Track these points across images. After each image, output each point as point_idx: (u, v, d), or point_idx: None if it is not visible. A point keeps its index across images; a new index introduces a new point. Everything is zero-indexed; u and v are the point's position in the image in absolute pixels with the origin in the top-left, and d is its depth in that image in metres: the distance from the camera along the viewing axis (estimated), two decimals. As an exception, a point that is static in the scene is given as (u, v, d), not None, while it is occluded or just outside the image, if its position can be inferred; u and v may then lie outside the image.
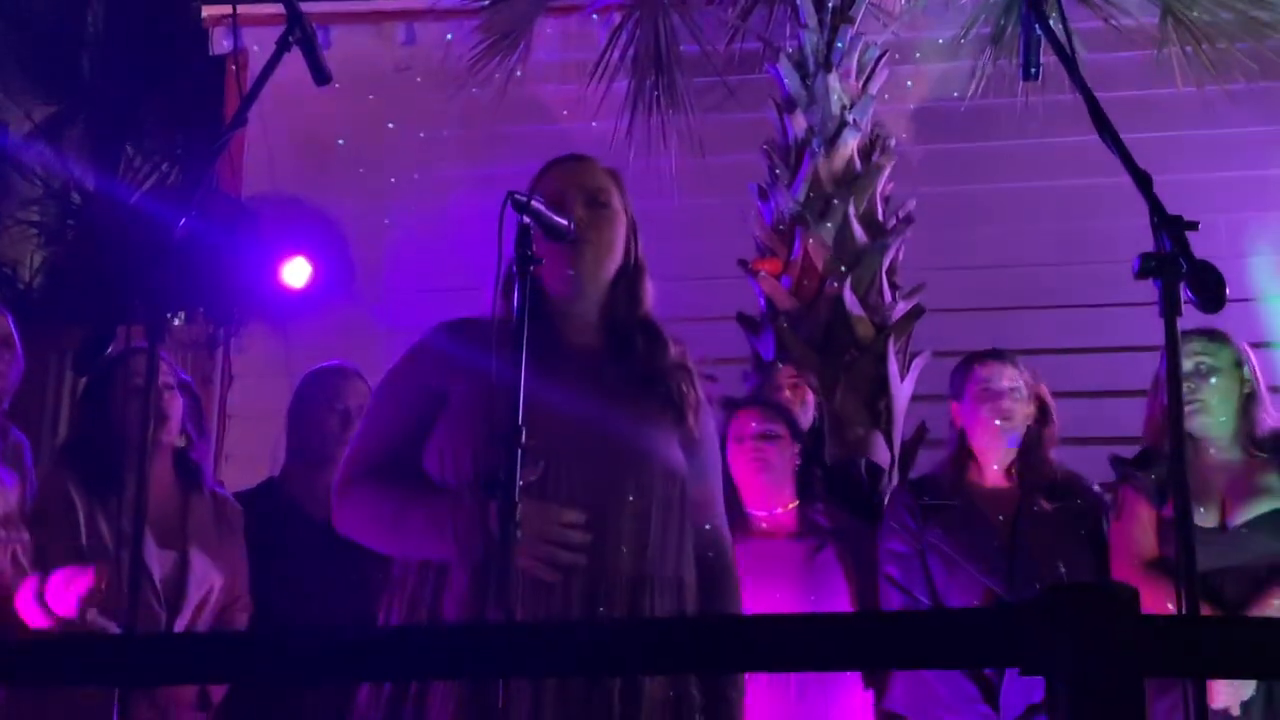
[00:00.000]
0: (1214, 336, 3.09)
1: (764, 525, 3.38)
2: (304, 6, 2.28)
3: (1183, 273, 1.95)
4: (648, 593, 2.11)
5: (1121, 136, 2.11)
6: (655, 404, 2.23)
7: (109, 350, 3.83)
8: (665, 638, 1.43)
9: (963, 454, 3.25)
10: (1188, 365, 3.00)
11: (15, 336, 3.10)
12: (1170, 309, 1.97)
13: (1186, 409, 2.87)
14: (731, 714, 2.17)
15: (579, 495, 2.09)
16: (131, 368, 3.00)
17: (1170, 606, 2.79)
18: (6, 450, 3.08)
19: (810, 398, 3.89)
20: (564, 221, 2.14)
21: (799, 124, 5.14)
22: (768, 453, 3.37)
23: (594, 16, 5.70)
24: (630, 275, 2.30)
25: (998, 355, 3.30)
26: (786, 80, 5.18)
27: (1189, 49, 5.07)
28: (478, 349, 2.11)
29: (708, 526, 2.29)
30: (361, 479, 2.22)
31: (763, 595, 3.11)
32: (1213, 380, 3.06)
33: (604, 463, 2.13)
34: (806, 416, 3.81)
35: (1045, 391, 3.40)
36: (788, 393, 3.84)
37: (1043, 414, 3.36)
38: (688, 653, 1.43)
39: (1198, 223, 1.98)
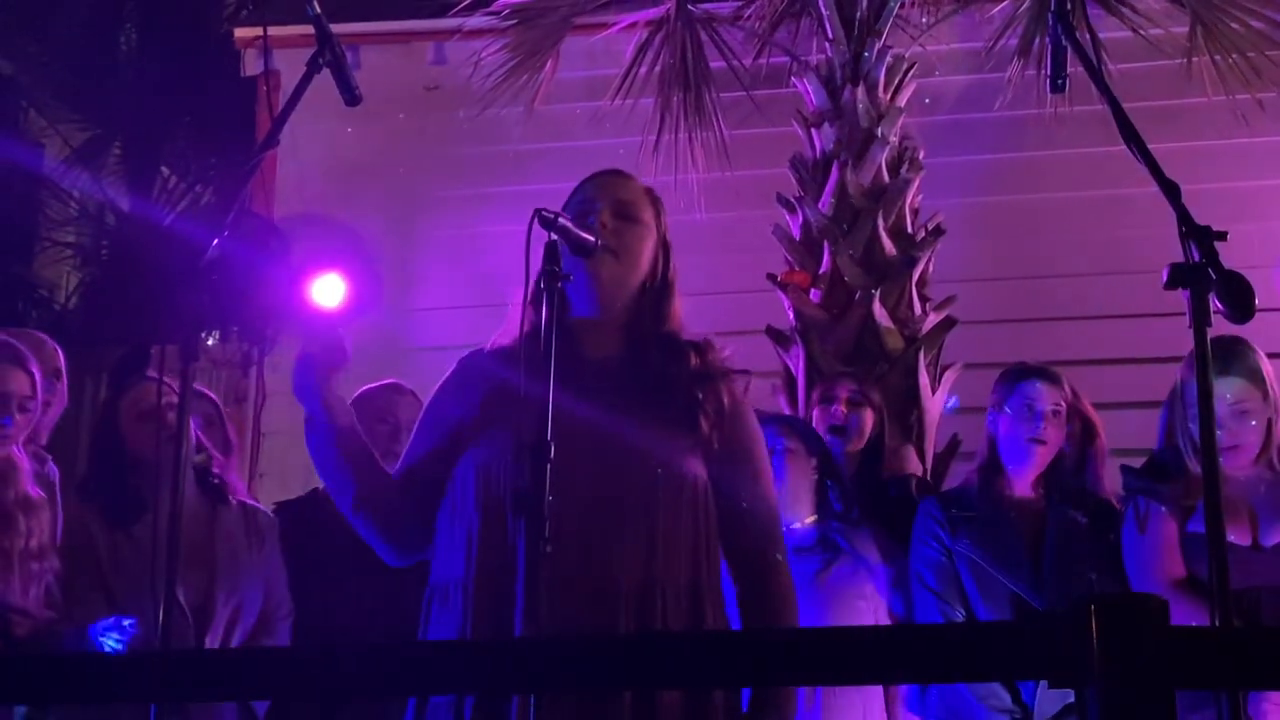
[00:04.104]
0: (1241, 373, 3.01)
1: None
2: (334, 27, 2.31)
3: (1212, 282, 1.95)
4: (658, 598, 2.11)
5: (1151, 146, 2.11)
6: (666, 414, 2.22)
7: (145, 370, 3.87)
8: (686, 650, 1.44)
9: (993, 464, 3.24)
10: (1224, 408, 2.93)
11: (64, 371, 3.14)
12: (1200, 319, 1.96)
13: (1222, 448, 2.81)
14: None
15: (581, 503, 2.09)
16: (138, 394, 3.04)
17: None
18: (44, 481, 3.12)
19: (869, 414, 3.84)
20: (590, 238, 2.16)
21: (826, 137, 5.14)
22: (779, 468, 3.37)
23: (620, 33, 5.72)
24: (657, 291, 2.30)
25: (1044, 375, 3.26)
26: (813, 94, 5.19)
27: (1219, 58, 5.04)
28: (505, 368, 2.12)
29: (748, 537, 2.26)
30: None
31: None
32: (1252, 422, 3.03)
33: (606, 471, 2.13)
34: (863, 433, 3.78)
35: (1088, 406, 3.37)
36: (842, 408, 3.80)
37: (1087, 431, 3.34)
38: (712, 665, 1.43)
39: (1226, 232, 1.97)
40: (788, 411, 4.73)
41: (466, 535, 2.16)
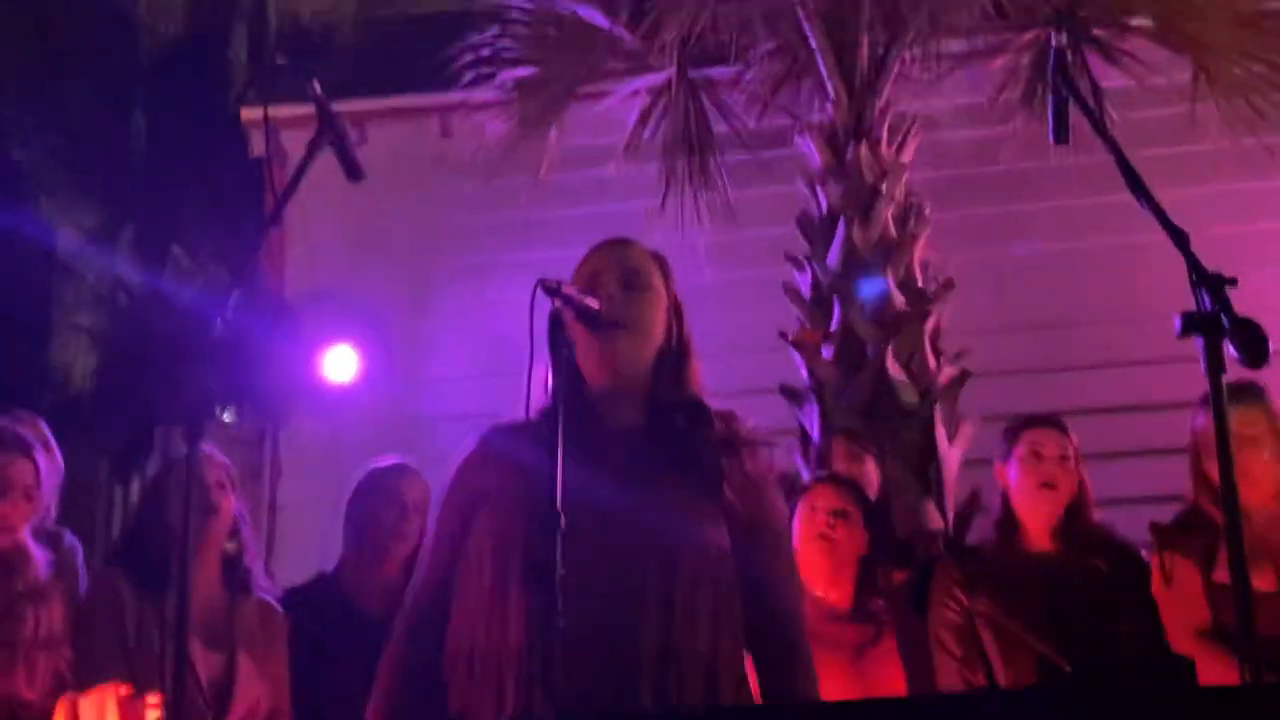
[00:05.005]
0: (1247, 402, 2.99)
1: (819, 605, 3.31)
2: (342, 104, 2.33)
3: (1225, 330, 1.93)
4: (674, 667, 2.07)
5: (1159, 194, 2.10)
6: (690, 483, 2.19)
7: (149, 452, 3.87)
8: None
9: (1008, 518, 3.20)
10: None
11: (52, 441, 3.13)
12: (1214, 367, 1.94)
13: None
14: None
15: (600, 576, 2.07)
16: (190, 469, 2.99)
17: (1232, 675, 2.71)
18: (61, 561, 3.10)
19: (871, 468, 3.78)
20: (595, 305, 2.14)
21: (832, 195, 5.15)
22: (837, 531, 3.32)
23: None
24: (673, 356, 2.28)
25: (1048, 422, 3.24)
26: (817, 153, 5.21)
27: (1223, 103, 5.05)
28: (522, 443, 2.09)
29: (767, 611, 2.22)
30: (401, 641, 2.25)
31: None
32: (1264, 455, 3.00)
33: (626, 543, 2.11)
34: (869, 489, 3.73)
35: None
36: (843, 464, 3.74)
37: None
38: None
39: (1236, 279, 1.96)
40: (805, 473, 4.69)
41: (483, 608, 2.14)
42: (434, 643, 2.18)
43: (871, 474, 3.78)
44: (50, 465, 3.04)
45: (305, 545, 5.30)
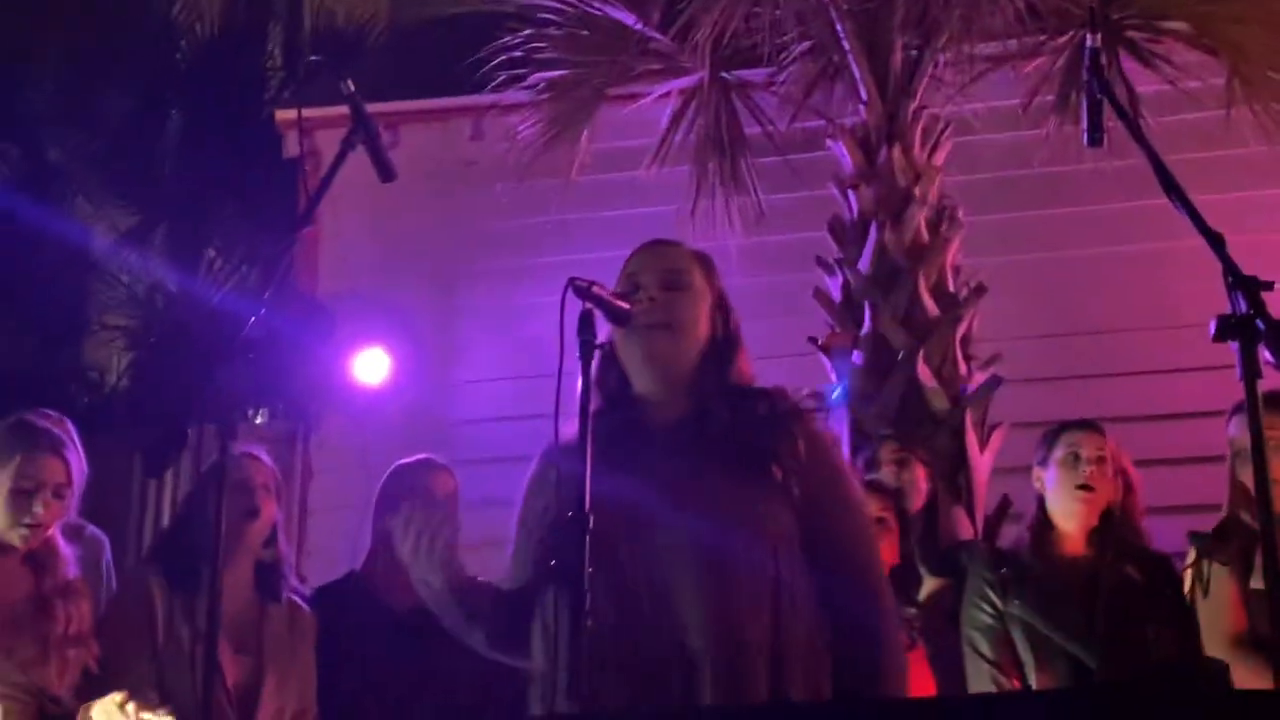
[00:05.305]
0: (1277, 408, 2.96)
1: None
2: (374, 106, 2.34)
3: (1260, 334, 1.91)
4: (732, 662, 2.05)
5: (1195, 197, 2.08)
6: (740, 470, 2.16)
7: (180, 451, 3.89)
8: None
9: (1044, 522, 3.19)
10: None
11: (78, 440, 3.15)
12: (1250, 371, 1.92)
13: None
14: None
15: (647, 575, 2.06)
16: (234, 469, 3.00)
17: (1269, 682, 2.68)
18: (85, 553, 3.13)
19: (921, 473, 3.75)
20: (626, 305, 2.14)
21: (864, 198, 5.13)
22: None
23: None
24: (719, 351, 2.26)
25: (1087, 425, 3.24)
26: (849, 156, 5.19)
27: (1258, 107, 5.00)
28: (573, 460, 2.04)
29: (843, 590, 2.15)
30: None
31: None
32: None
33: (672, 556, 2.09)
34: (918, 495, 3.70)
35: (1128, 462, 3.32)
36: (892, 469, 3.72)
37: (1126, 485, 3.28)
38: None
39: (1274, 283, 1.94)
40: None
41: (544, 625, 2.13)
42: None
43: (920, 481, 3.75)
44: (78, 464, 3.06)
45: (335, 546, 5.32)
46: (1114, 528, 3.15)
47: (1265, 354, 1.91)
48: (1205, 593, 3.01)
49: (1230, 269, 1.97)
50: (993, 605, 3.12)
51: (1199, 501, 3.56)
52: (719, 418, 2.20)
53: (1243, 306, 1.93)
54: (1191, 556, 3.12)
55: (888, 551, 3.33)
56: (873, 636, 2.15)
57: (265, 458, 3.15)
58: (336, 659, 3.25)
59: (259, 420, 6.56)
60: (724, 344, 2.27)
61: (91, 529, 3.27)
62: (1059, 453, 3.18)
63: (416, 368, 6.08)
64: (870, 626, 2.15)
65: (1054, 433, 3.25)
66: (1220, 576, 2.99)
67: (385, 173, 2.35)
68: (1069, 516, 3.16)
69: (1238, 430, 3.05)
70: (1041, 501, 3.22)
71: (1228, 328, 1.93)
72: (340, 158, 2.26)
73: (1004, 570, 3.14)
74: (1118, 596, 3.05)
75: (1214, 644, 2.97)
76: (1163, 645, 2.98)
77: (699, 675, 2.05)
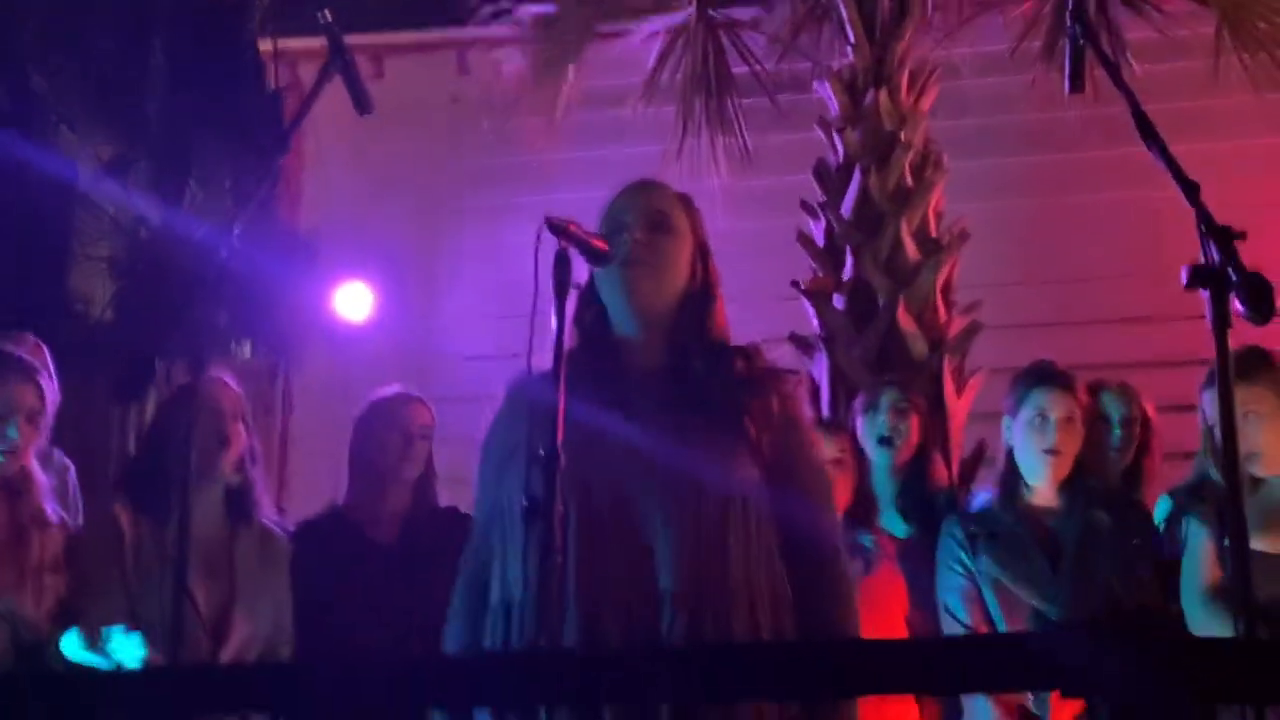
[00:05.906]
0: (1254, 378, 2.95)
1: None
2: (357, 38, 2.31)
3: (1232, 283, 1.91)
4: (706, 602, 2.07)
5: (1179, 148, 2.08)
6: (712, 424, 2.18)
7: (148, 382, 3.88)
8: (706, 663, 1.42)
9: (1012, 473, 3.17)
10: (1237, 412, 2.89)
11: (51, 366, 3.13)
12: (1220, 321, 1.93)
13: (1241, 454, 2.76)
14: None
15: (616, 522, 2.08)
16: (204, 394, 2.98)
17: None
18: (53, 477, 3.12)
19: (914, 424, 3.79)
20: (602, 245, 2.14)
21: (849, 142, 5.12)
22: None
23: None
24: (698, 297, 2.26)
25: (1056, 382, 3.14)
26: (835, 99, 5.17)
27: (1246, 57, 4.98)
28: (541, 392, 2.05)
29: (805, 545, 2.19)
30: (457, 616, 2.25)
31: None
32: (1262, 426, 2.98)
33: (642, 487, 2.11)
34: (908, 448, 3.73)
35: (1151, 407, 3.41)
36: (892, 416, 3.75)
37: (1145, 442, 3.47)
38: (727, 678, 1.42)
39: (1245, 232, 1.94)
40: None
41: (515, 557, 2.14)
42: (482, 595, 2.19)
43: (914, 432, 3.77)
44: (51, 390, 3.05)
45: (317, 479, 5.34)
46: (1085, 477, 3.14)
47: (1236, 304, 1.92)
48: (1183, 548, 3.03)
49: (1204, 218, 1.97)
50: (963, 565, 3.11)
51: (1175, 449, 3.59)
52: (697, 372, 2.22)
53: (1215, 256, 1.94)
54: (1167, 510, 3.13)
55: (843, 489, 3.35)
56: (834, 586, 2.21)
57: (232, 383, 3.14)
58: (319, 592, 3.27)
59: (244, 354, 6.55)
60: (703, 291, 2.27)
61: (58, 453, 3.26)
62: (1026, 413, 3.11)
63: (399, 303, 6.07)
64: (833, 582, 2.21)
65: (1024, 386, 3.16)
66: (1197, 532, 3.00)
67: (362, 104, 2.34)
68: (1037, 475, 3.14)
69: (1212, 406, 3.04)
70: (1010, 453, 3.18)
71: (1200, 276, 1.94)
72: (317, 88, 2.24)
73: (972, 528, 3.13)
74: (1083, 547, 3.06)
75: (1191, 598, 3.00)
76: (1129, 595, 3.00)
77: (668, 612, 2.07)
